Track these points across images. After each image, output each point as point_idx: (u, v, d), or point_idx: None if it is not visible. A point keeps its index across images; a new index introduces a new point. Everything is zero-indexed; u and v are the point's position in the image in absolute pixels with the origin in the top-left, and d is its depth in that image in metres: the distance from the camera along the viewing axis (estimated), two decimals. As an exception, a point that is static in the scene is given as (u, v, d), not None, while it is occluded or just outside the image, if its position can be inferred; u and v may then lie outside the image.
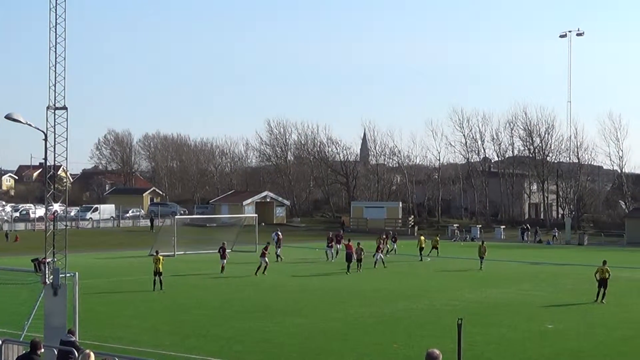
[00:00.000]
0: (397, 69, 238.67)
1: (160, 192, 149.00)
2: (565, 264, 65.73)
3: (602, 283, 41.95)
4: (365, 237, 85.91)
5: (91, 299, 39.32)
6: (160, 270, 46.49)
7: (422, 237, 70.15)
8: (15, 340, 24.43)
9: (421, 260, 66.03)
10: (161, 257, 47.58)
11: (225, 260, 56.86)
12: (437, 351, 13.65)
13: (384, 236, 68.10)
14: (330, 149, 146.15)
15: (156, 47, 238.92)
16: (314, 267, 61.98)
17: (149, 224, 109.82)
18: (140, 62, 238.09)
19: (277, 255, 63.99)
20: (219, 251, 57.78)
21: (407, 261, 66.17)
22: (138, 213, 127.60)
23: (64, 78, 28.14)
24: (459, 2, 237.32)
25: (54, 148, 28.00)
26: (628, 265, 63.82)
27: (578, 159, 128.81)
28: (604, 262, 43.27)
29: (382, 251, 61.79)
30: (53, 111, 28.09)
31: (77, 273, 28.50)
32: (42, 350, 18.45)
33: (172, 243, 70.34)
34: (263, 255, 56.54)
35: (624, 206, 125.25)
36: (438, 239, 72.91)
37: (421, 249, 67.23)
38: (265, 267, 55.67)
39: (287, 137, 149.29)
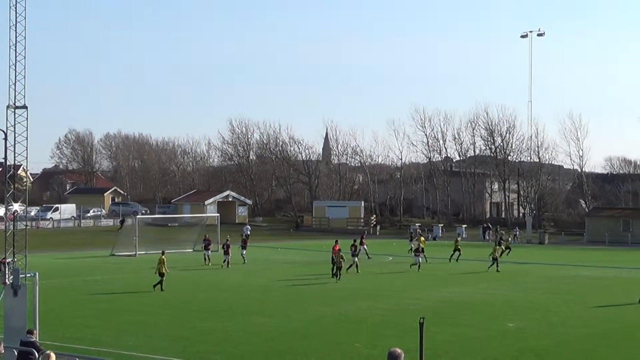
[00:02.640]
0: (359, 69, 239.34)
1: (122, 192, 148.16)
2: (526, 262, 66.03)
3: None
4: (327, 237, 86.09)
5: (52, 300, 39.05)
6: (162, 270, 46.36)
7: (422, 238, 69.97)
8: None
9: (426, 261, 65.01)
10: (164, 258, 47.56)
11: (229, 256, 60.31)
12: (399, 350, 13.65)
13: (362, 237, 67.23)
14: (292, 149, 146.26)
15: (117, 46, 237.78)
16: (278, 267, 61.93)
17: (119, 225, 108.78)
18: (102, 61, 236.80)
19: (242, 256, 63.44)
20: (223, 247, 61.92)
21: (377, 262, 66.18)
22: (99, 213, 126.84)
23: (24, 77, 27.95)
24: (420, 3, 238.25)
25: (14, 147, 27.80)
26: (588, 264, 64.40)
27: (539, 158, 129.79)
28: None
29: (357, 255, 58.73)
30: (13, 110, 27.87)
31: (37, 273, 28.33)
32: (3, 351, 18.31)
33: (134, 243, 70.08)
34: (226, 252, 59.94)
35: (584, 205, 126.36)
36: (424, 239, 71.53)
37: (422, 249, 66.24)
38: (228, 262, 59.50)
39: (249, 136, 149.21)
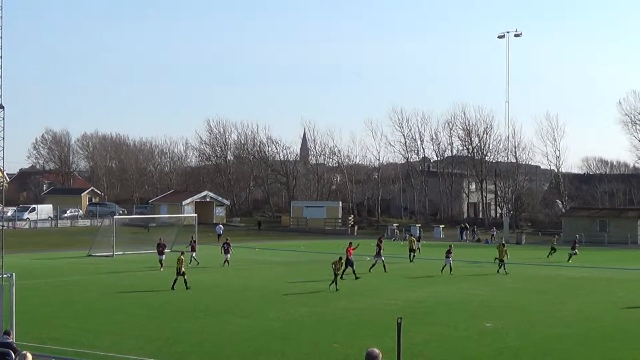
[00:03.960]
0: (336, 69, 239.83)
1: (99, 192, 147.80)
2: (503, 263, 66.11)
3: None
4: (305, 237, 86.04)
5: (28, 300, 38.86)
6: (183, 270, 46.74)
7: (412, 238, 69.91)
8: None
9: (411, 261, 65.28)
10: (183, 258, 47.85)
11: (229, 255, 61.44)
12: (376, 350, 13.63)
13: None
14: (270, 149, 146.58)
15: (94, 45, 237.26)
16: (255, 267, 61.91)
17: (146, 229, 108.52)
18: (79, 61, 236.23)
19: (226, 261, 63.04)
20: (223, 246, 62.94)
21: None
22: (76, 213, 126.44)
23: (0, 76, 27.79)
24: (399, 3, 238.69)
25: (-10, 147, 27.62)
26: (565, 264, 64.61)
27: (516, 158, 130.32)
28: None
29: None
30: (-11, 110, 27.70)
31: (13, 274, 28.19)
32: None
33: (111, 243, 69.88)
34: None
35: (560, 205, 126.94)
36: (414, 239, 70.81)
37: (411, 249, 66.58)
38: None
39: (226, 136, 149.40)
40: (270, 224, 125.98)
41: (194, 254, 63.41)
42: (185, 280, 46.50)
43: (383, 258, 58.55)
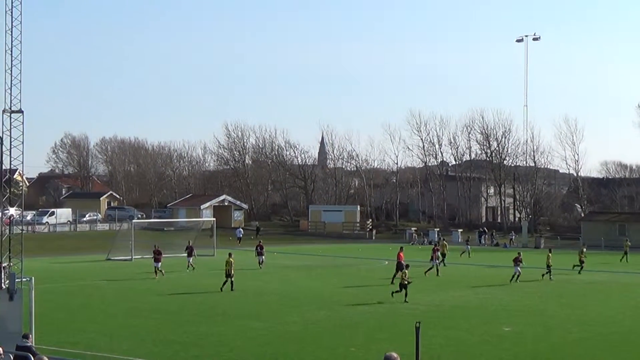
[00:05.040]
0: (355, 73, 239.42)
1: (118, 196, 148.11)
2: (522, 267, 65.91)
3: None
4: (323, 241, 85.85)
5: (47, 304, 38.94)
6: (232, 272, 48.03)
7: (445, 242, 69.62)
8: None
9: (444, 265, 64.68)
10: (232, 260, 48.86)
11: (263, 257, 62.95)
12: (395, 354, 13.62)
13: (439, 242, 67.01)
14: (288, 153, 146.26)
15: (112, 50, 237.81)
16: (273, 271, 61.89)
17: (256, 231, 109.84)
18: (97, 65, 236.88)
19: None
20: (256, 249, 64.67)
21: (373, 267, 66.02)
22: (95, 217, 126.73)
23: (20, 81, 27.97)
24: (416, 7, 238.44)
25: (10, 152, 27.80)
26: (585, 268, 64.28)
27: (534, 162, 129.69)
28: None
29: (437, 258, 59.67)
30: (9, 114, 27.88)
31: (32, 278, 28.31)
32: (2, 355, 18.29)
33: (130, 247, 70.04)
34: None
35: (579, 209, 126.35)
36: (446, 243, 70.24)
37: (443, 254, 65.87)
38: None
39: (245, 140, 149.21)
40: (288, 228, 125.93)
41: (190, 259, 62.13)
42: (232, 282, 47.82)
43: (437, 262, 59.14)
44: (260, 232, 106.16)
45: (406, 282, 43.43)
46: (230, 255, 49.74)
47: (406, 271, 44.52)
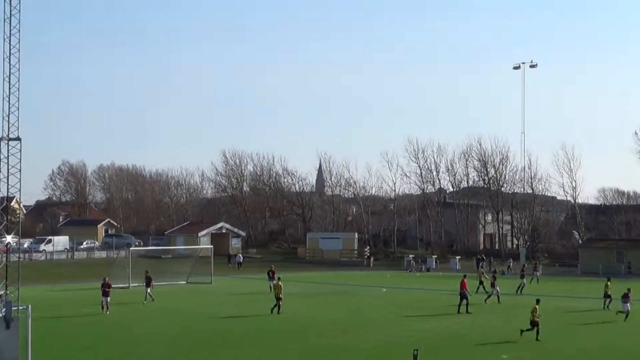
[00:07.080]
0: (352, 100, 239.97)
1: (115, 224, 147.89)
2: (520, 295, 65.87)
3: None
4: (321, 269, 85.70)
5: (44, 332, 38.85)
6: (280, 295, 49.62)
7: (482, 271, 69.10)
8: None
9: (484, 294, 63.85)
10: (281, 284, 50.94)
11: (273, 282, 61.28)
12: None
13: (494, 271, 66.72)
14: (286, 180, 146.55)
15: (110, 77, 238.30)
16: (271, 298, 61.70)
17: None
18: (95, 92, 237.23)
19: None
20: (269, 274, 65.67)
21: (371, 294, 65.83)
22: (92, 245, 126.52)
23: (18, 109, 27.96)
24: (414, 35, 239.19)
25: (7, 179, 27.77)
26: (582, 295, 64.27)
27: (532, 189, 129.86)
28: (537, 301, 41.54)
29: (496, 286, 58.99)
30: (7, 142, 27.87)
31: (29, 306, 28.23)
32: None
33: (127, 275, 69.89)
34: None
35: (577, 236, 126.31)
36: (483, 271, 69.54)
37: (481, 282, 64.71)
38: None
39: (242, 168, 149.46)
40: (286, 255, 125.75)
41: (149, 290, 58.93)
42: (280, 305, 49.30)
43: (498, 289, 58.65)
44: (241, 266, 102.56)
45: (537, 319, 39.27)
46: (279, 279, 52.60)
47: (537, 307, 40.08)
